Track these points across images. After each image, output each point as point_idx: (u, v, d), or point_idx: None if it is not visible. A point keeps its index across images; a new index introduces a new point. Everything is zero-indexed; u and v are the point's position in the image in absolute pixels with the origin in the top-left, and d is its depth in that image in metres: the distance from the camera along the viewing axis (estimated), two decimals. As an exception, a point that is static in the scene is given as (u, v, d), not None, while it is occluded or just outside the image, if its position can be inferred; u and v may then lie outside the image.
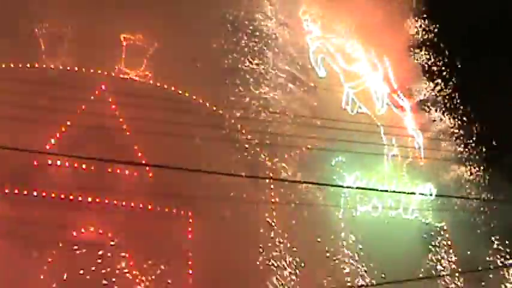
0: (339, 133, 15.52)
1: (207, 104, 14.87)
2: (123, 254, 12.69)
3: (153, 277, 12.88)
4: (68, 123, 13.15)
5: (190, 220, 13.72)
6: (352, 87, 17.53)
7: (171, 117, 12.79)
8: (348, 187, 15.91)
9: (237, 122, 15.10)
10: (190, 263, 13.37)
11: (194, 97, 14.74)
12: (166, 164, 11.80)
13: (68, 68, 13.99)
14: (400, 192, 16.82)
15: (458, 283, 16.87)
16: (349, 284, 15.20)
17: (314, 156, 15.93)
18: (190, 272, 13.33)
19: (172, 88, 14.56)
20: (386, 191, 16.43)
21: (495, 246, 17.68)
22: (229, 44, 15.65)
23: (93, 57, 13.91)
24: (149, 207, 13.23)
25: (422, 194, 17.14)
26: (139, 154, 13.32)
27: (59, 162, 12.68)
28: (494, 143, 18.67)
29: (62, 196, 12.58)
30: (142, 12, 14.04)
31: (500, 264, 17.38)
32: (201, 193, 13.00)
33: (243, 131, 15.17)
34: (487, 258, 17.40)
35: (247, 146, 15.02)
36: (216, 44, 15.36)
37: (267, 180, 14.72)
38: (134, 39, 14.51)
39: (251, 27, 16.32)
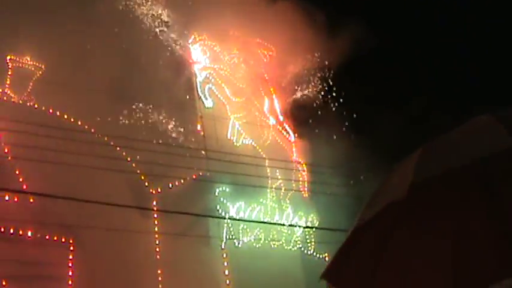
0: (224, 164, 16.79)
1: (92, 131, 15.50)
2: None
3: None
4: None
5: (72, 248, 14.54)
6: (238, 119, 18.87)
7: (56, 144, 13.61)
8: (230, 218, 17.03)
9: (122, 151, 15.87)
10: (69, 292, 14.15)
11: (80, 123, 15.38)
12: (48, 191, 12.79)
13: None
14: (282, 224, 18.11)
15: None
16: None
17: (198, 186, 16.93)
18: (69, 301, 14.14)
19: (58, 113, 15.17)
20: (270, 222, 17.62)
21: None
22: (118, 72, 16.13)
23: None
24: (29, 234, 13.80)
25: (305, 227, 18.61)
26: (21, 180, 13.93)
27: None
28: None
29: None
30: (30, 34, 14.65)
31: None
32: (84, 221, 13.89)
33: (129, 160, 16.03)
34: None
35: (132, 175, 15.81)
36: (107, 71, 15.83)
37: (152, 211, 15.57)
38: (21, 61, 15.02)
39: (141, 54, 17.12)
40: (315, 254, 19.00)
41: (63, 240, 14.54)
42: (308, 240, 19.01)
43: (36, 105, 15.07)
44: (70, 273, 14.38)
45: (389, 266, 4.15)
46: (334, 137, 20.31)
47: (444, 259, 4.25)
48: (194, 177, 17.04)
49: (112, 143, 15.80)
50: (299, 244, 18.71)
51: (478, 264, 4.26)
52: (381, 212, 3.57)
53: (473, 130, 3.67)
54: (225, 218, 17.05)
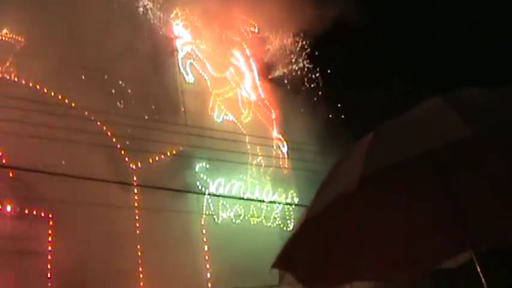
0: (204, 139, 16.85)
1: (73, 105, 15.46)
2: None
3: (11, 277, 13.37)
4: None
5: (51, 222, 14.59)
6: (219, 94, 18.92)
7: (36, 118, 13.52)
8: (210, 194, 17.18)
9: (103, 126, 15.88)
10: (49, 266, 14.22)
11: (60, 97, 15.32)
12: (28, 165, 12.76)
13: None
14: (262, 201, 18.31)
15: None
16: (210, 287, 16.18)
17: (178, 161, 17.00)
18: (49, 275, 14.20)
19: (38, 87, 15.08)
20: (249, 199, 17.80)
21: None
22: (101, 46, 16.06)
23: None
24: (8, 208, 13.82)
25: (285, 203, 18.84)
26: (0, 154, 13.90)
27: None
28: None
29: None
30: (8, 7, 14.51)
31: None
32: (63, 196, 13.86)
33: (109, 134, 16.02)
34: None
35: (112, 150, 15.83)
36: (87, 45, 15.84)
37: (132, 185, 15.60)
38: (0, 34, 14.91)
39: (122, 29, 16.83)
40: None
41: (42, 214, 14.58)
42: (287, 217, 19.17)
43: (16, 79, 15.01)
44: (49, 248, 14.43)
45: (340, 253, 4.27)
46: (316, 114, 20.42)
47: (396, 248, 4.39)
48: (174, 152, 17.10)
49: (92, 118, 15.80)
50: (278, 221, 18.88)
51: (429, 242, 4.42)
52: (331, 204, 3.56)
53: (425, 116, 3.61)
54: (204, 194, 17.17)
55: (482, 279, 3.86)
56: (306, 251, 4.07)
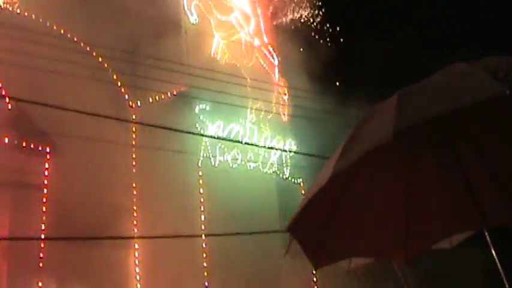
0: (206, 81, 16.72)
1: (75, 39, 15.41)
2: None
3: (6, 210, 13.68)
4: None
5: (48, 156, 14.69)
6: (223, 37, 18.78)
7: (37, 50, 13.42)
8: (209, 136, 17.20)
9: (104, 61, 15.85)
10: (44, 200, 14.33)
11: (62, 31, 15.25)
12: (27, 97, 12.72)
13: None
14: (260, 146, 18.37)
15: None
16: (204, 231, 16.51)
17: (178, 102, 17.00)
18: (44, 209, 14.32)
19: (41, 20, 14.97)
20: (247, 143, 17.81)
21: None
22: None
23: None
24: (6, 140, 13.81)
25: (283, 150, 18.86)
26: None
27: None
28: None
29: None
30: None
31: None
32: (61, 130, 13.95)
33: (110, 71, 16.01)
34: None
35: (112, 86, 15.84)
36: None
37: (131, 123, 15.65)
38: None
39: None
40: (290, 178, 19.32)
41: (40, 148, 14.66)
42: (284, 164, 19.26)
43: (18, 10, 14.89)
44: (46, 182, 14.53)
45: (344, 228, 4.28)
46: (319, 63, 20.23)
47: (397, 213, 4.40)
48: (175, 93, 17.10)
49: (94, 53, 15.77)
50: (275, 167, 18.95)
51: (429, 220, 4.43)
52: (360, 158, 3.42)
53: (453, 77, 3.45)
54: (203, 135, 17.21)
55: (496, 257, 3.87)
56: (313, 220, 4.05)
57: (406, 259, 4.47)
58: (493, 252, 3.87)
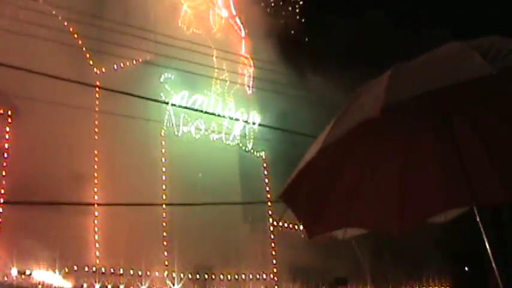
0: (172, 50, 16.54)
1: (40, 0, 15.10)
2: None
3: None
4: None
5: (10, 120, 14.57)
6: (191, 7, 18.61)
7: (1, 10, 13.46)
8: (173, 105, 17.07)
9: (70, 26, 15.64)
10: (5, 164, 14.30)
11: None
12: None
13: None
14: (223, 116, 18.28)
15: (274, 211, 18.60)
16: (165, 201, 16.58)
17: (143, 70, 16.89)
18: (4, 173, 14.30)
19: None
20: (211, 113, 17.69)
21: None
22: None
23: None
24: None
25: (246, 122, 18.83)
26: None
27: None
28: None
29: None
30: None
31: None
32: (24, 93, 13.69)
33: (75, 36, 15.82)
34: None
35: (77, 51, 15.65)
36: None
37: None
38: None
39: None
40: (252, 151, 19.40)
41: (1, 111, 14.57)
42: (247, 137, 19.31)
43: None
44: (6, 146, 14.44)
45: (339, 198, 4.32)
46: (286, 36, 20.31)
47: (393, 185, 4.47)
48: (140, 60, 16.95)
49: (60, 17, 15.50)
50: (238, 140, 19.01)
51: (424, 195, 4.51)
52: (347, 132, 3.42)
53: (446, 56, 3.50)
54: (167, 104, 17.10)
55: (483, 234, 3.94)
56: (308, 189, 4.06)
57: (400, 232, 4.53)
58: (482, 230, 3.95)
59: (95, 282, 14.59)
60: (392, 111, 3.26)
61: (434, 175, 4.44)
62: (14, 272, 13.37)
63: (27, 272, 13.56)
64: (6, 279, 13.41)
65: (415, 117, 3.94)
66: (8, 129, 14.50)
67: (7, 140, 14.41)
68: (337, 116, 3.66)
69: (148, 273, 15.36)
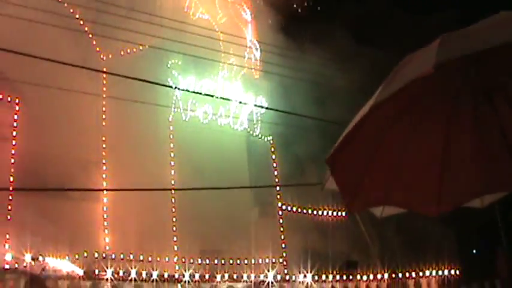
0: (179, 35, 16.56)
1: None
2: None
3: None
4: None
5: (17, 107, 14.58)
6: (197, -8, 18.43)
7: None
8: (180, 89, 17.11)
9: (76, 12, 15.63)
10: (13, 151, 14.33)
11: None
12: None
13: None
14: (231, 100, 18.15)
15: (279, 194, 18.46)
16: (173, 184, 16.56)
17: (150, 56, 16.76)
18: (13, 161, 14.32)
19: None
20: (219, 97, 17.49)
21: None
22: None
23: None
24: None
25: (254, 105, 18.73)
26: None
27: None
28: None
29: None
30: None
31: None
32: (31, 80, 13.71)
33: (81, 22, 15.82)
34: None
35: (84, 36, 15.70)
36: None
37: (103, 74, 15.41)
38: None
39: None
40: (260, 135, 19.33)
41: (8, 98, 14.55)
42: (255, 122, 19.24)
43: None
44: (14, 134, 14.47)
45: (380, 173, 4.28)
46: (293, 20, 20.22)
47: (433, 166, 4.42)
48: (147, 46, 16.82)
49: (66, 4, 15.47)
50: (246, 124, 18.98)
51: (463, 178, 4.47)
52: (401, 88, 3.47)
53: (497, 22, 3.48)
54: (174, 89, 17.09)
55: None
56: (353, 159, 4.02)
57: (437, 214, 4.52)
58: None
59: (107, 267, 14.66)
60: (444, 70, 3.27)
61: (475, 158, 4.39)
62: (27, 258, 13.44)
63: (40, 259, 13.63)
64: (17, 266, 13.50)
65: (459, 93, 3.89)
66: (16, 116, 14.48)
67: (15, 127, 14.41)
68: (386, 81, 3.63)
69: (158, 258, 15.40)
